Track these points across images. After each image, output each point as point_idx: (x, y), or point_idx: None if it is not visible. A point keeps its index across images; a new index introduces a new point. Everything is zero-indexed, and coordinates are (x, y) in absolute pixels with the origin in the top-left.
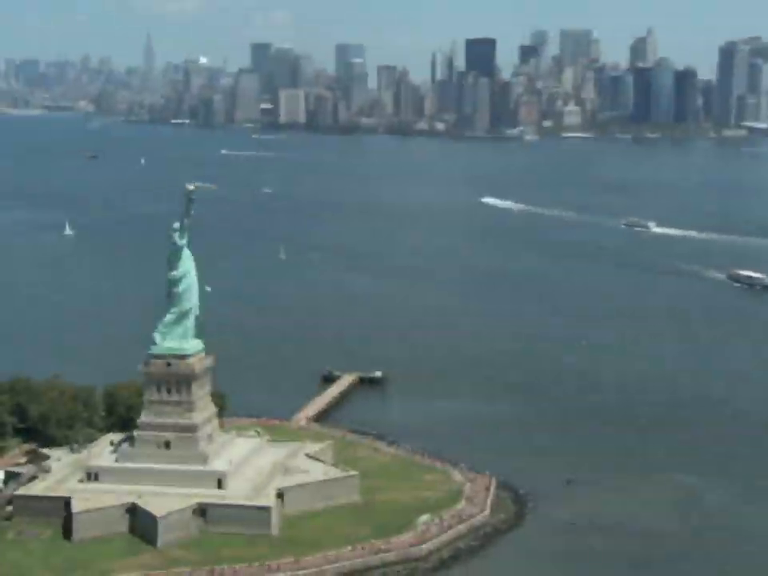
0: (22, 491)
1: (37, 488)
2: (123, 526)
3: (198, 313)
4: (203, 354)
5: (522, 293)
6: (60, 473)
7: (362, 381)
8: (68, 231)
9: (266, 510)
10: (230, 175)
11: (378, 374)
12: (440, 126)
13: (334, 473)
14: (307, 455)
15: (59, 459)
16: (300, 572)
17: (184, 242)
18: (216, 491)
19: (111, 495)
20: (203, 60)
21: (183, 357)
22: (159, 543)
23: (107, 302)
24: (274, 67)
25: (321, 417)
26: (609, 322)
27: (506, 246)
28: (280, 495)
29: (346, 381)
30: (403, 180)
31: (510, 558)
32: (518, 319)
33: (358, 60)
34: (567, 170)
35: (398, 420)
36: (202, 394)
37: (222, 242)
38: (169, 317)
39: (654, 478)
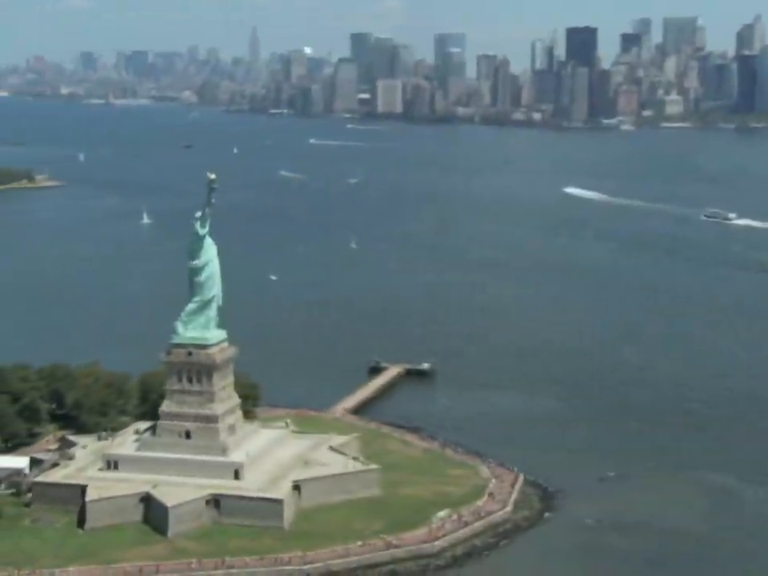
0: (40, 478)
1: (55, 475)
2: (137, 515)
3: (220, 302)
4: (226, 344)
5: (588, 286)
6: (83, 460)
7: (410, 373)
8: (145, 219)
9: (278, 502)
10: (318, 165)
11: (426, 366)
12: (537, 116)
13: (354, 466)
14: (331, 448)
15: (84, 447)
16: (306, 566)
17: (205, 230)
18: (232, 482)
19: (126, 484)
20: (308, 50)
21: (204, 346)
22: (170, 533)
23: (166, 289)
24: (373, 57)
25: (361, 409)
26: (671, 317)
27: (582, 237)
28: (297, 488)
29: (391, 373)
30: (492, 170)
31: (526, 555)
32: (579, 313)
33: (455, 50)
34: (661, 160)
35: (438, 413)
36: (223, 384)
37: (298, 231)
38: (191, 306)
39: (689, 476)
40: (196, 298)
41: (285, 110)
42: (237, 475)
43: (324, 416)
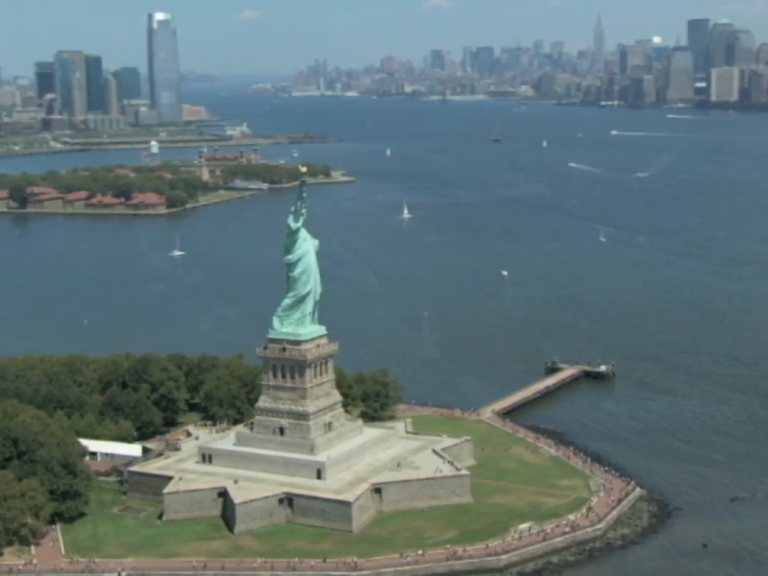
0: (135, 468)
1: (150, 466)
2: (216, 509)
3: (318, 298)
4: (324, 340)
5: None
6: (186, 452)
7: (588, 375)
8: (405, 214)
9: (346, 505)
10: (615, 157)
11: (603, 368)
12: None
13: (443, 471)
14: (434, 451)
15: (197, 438)
16: (353, 573)
17: (299, 224)
18: (312, 482)
19: (210, 478)
20: (656, 39)
21: (297, 342)
22: (236, 530)
23: (389, 283)
24: (711, 44)
25: (519, 410)
26: None
27: None
28: (377, 491)
29: (566, 374)
30: None
31: None
32: None
33: None
34: None
35: (598, 418)
36: (319, 381)
37: (558, 224)
38: (286, 301)
39: None
40: (291, 293)
41: (615, 102)
42: (319, 475)
43: (467, 417)
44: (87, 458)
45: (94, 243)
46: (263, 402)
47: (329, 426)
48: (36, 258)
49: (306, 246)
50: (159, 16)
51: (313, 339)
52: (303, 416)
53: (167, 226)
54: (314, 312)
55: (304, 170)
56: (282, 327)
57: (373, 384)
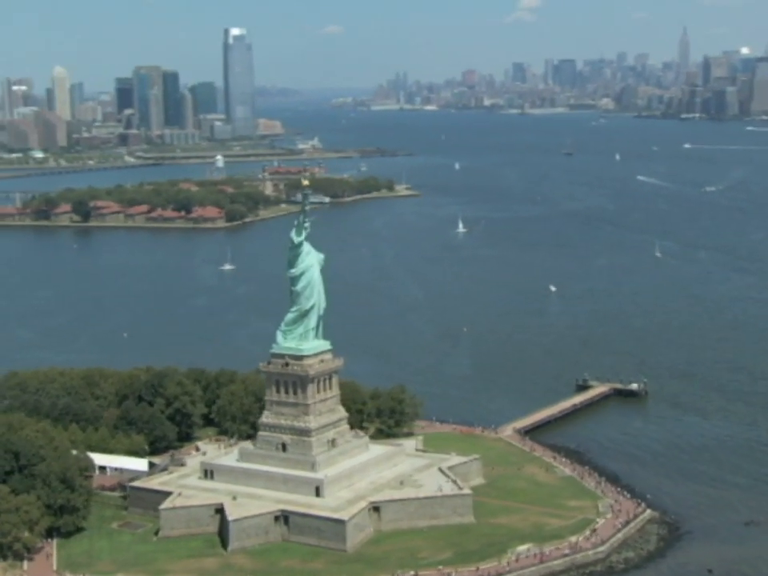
0: (136, 483)
1: (152, 481)
2: (213, 526)
3: (321, 312)
4: (328, 356)
5: None
6: (191, 467)
7: (620, 393)
8: (460, 228)
9: (340, 523)
10: (686, 170)
11: (635, 386)
12: None
13: (446, 490)
14: (440, 469)
15: (204, 454)
16: None
17: (302, 238)
18: (310, 499)
19: (209, 494)
20: (745, 50)
21: (300, 357)
22: (230, 547)
23: (436, 298)
24: None
25: (541, 428)
26: None
27: None
28: (376, 509)
29: (595, 392)
30: None
31: None
32: None
33: None
34: None
35: (621, 438)
36: (322, 396)
37: (616, 238)
38: (290, 315)
39: None
40: (294, 308)
41: (697, 115)
42: (318, 492)
43: (486, 435)
44: (97, 472)
45: (150, 257)
46: (266, 417)
47: (332, 443)
48: (90, 271)
49: (310, 261)
50: (235, 31)
51: (316, 354)
52: (305, 432)
53: (224, 240)
54: (317, 327)
55: (306, 182)
56: (285, 342)
57: (388, 400)
